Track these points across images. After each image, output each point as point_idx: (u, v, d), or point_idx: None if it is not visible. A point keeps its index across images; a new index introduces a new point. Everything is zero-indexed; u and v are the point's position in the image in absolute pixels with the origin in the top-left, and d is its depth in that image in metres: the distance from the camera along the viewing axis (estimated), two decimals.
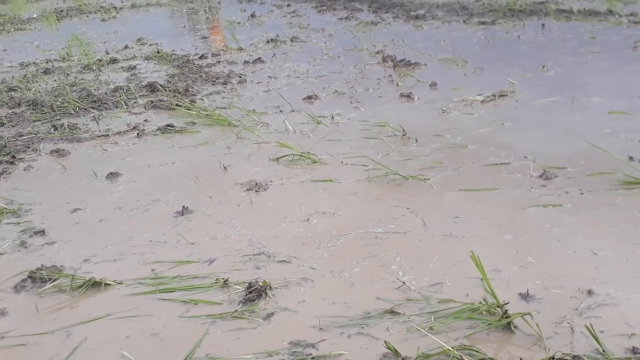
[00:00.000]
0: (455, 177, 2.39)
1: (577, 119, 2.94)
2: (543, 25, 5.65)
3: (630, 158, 2.38)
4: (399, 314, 1.55)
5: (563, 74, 3.84)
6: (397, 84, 3.99)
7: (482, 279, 1.58)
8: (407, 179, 2.40)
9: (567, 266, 1.69)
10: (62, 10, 13.16)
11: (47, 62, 6.11)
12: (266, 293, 1.67)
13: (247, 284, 1.69)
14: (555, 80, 3.71)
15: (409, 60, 4.54)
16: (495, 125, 2.96)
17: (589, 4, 6.73)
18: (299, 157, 2.74)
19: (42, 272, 1.83)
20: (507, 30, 5.56)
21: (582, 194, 2.12)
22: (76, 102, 4.03)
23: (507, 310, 1.46)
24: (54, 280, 1.82)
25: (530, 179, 2.29)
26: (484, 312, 1.51)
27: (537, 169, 2.35)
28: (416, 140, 2.85)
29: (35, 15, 12.23)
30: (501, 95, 3.43)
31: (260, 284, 1.69)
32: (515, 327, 1.45)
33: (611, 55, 4.19)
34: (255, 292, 1.66)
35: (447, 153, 2.66)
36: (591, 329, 1.34)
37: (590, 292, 1.55)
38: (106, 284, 1.78)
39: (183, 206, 2.28)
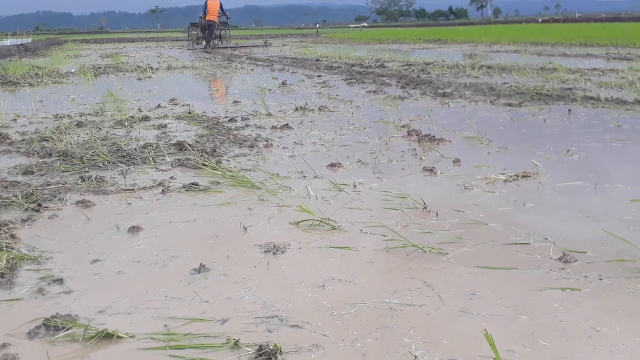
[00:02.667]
0: (473, 254, 2.38)
1: (599, 204, 2.93)
2: (569, 110, 5.71)
3: None
4: None
5: (587, 159, 3.86)
6: (421, 158, 4.04)
7: (494, 359, 1.56)
8: (426, 251, 2.40)
9: (580, 352, 1.65)
10: (99, 67, 13.65)
11: (81, 115, 6.30)
12: (276, 357, 1.66)
13: (258, 347, 1.69)
14: (579, 165, 3.73)
15: (433, 136, 4.61)
16: (517, 205, 2.97)
17: (616, 93, 6.81)
18: (318, 222, 2.76)
19: (56, 320, 1.84)
20: (533, 113, 5.63)
21: (600, 279, 2.09)
22: (105, 155, 4.13)
23: None
24: (68, 329, 1.82)
25: (549, 260, 2.27)
26: None
27: (556, 252, 2.34)
28: (437, 214, 2.86)
29: (73, 70, 12.69)
30: (524, 176, 3.45)
31: (271, 347, 1.68)
32: None
33: (636, 144, 4.21)
34: (265, 356, 1.65)
35: (467, 229, 2.66)
36: None
37: None
38: (118, 337, 1.79)
39: (200, 264, 2.30)
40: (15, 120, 6.06)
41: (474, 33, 29.80)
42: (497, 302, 1.96)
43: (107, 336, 1.79)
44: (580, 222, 2.70)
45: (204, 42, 23.02)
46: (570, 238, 2.50)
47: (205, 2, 21.87)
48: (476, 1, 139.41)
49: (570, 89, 7.23)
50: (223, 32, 24.45)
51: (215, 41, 23.34)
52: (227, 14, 23.10)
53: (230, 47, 23.79)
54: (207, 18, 21.92)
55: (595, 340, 1.71)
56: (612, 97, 6.40)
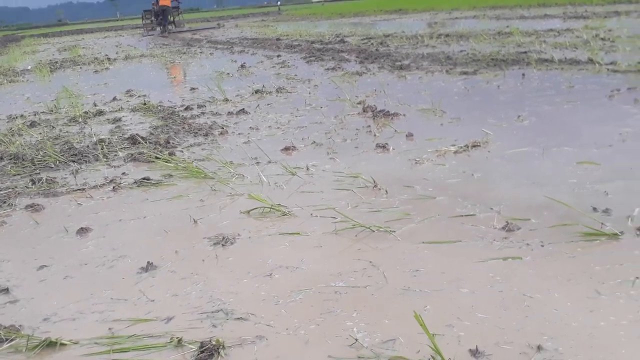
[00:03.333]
0: (420, 229, 2.40)
1: (545, 169, 2.97)
2: (523, 74, 5.75)
3: (594, 209, 2.39)
4: None
5: (537, 123, 3.90)
6: (375, 135, 4.04)
7: (432, 336, 1.58)
8: (373, 231, 2.41)
9: (519, 320, 1.68)
10: (56, 62, 13.39)
11: (35, 114, 6.19)
12: (219, 352, 1.66)
13: (200, 344, 1.69)
14: (529, 130, 3.76)
15: (388, 111, 4.61)
16: (465, 176, 2.99)
17: (570, 53, 6.87)
18: (269, 209, 2.75)
19: None
20: (488, 80, 5.66)
21: (542, 246, 2.13)
22: (57, 155, 4.07)
23: None
24: (11, 341, 1.81)
25: (493, 230, 2.30)
26: None
27: (500, 221, 2.37)
28: (386, 192, 2.87)
29: (29, 67, 12.43)
30: (474, 146, 3.48)
31: (214, 343, 1.68)
32: None
33: (586, 105, 4.26)
34: (208, 352, 1.65)
35: (415, 204, 2.68)
36: None
37: (539, 348, 1.55)
38: (62, 344, 1.77)
39: (148, 262, 2.29)
40: None
41: (434, 0, 29.76)
42: (440, 277, 1.98)
43: (51, 344, 1.77)
44: (526, 188, 2.73)
45: (158, 28, 23.25)
46: (516, 206, 2.53)
47: None
48: None
49: (525, 52, 7.28)
50: (177, 17, 24.47)
51: (170, 26, 23.39)
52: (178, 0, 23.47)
53: (185, 31, 23.79)
54: (160, 3, 22.36)
55: (534, 308, 1.75)
56: (566, 58, 6.46)
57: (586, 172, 2.86)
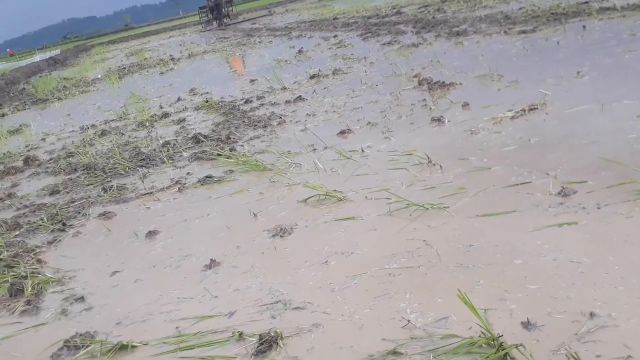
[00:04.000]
0: (475, 203, 2.38)
1: (604, 126, 2.86)
2: (584, 27, 5.52)
3: None
4: (402, 354, 1.57)
5: (597, 78, 3.75)
6: (430, 108, 4.00)
7: (484, 311, 1.59)
8: (427, 209, 2.42)
9: (573, 289, 1.66)
10: (124, 68, 13.87)
11: (105, 122, 6.47)
12: (277, 343, 1.72)
13: (259, 336, 1.76)
14: (588, 85, 3.63)
15: (443, 82, 4.54)
16: (522, 142, 2.93)
17: None
18: (324, 196, 2.80)
19: (75, 339, 1.96)
20: (547, 37, 5.47)
21: (598, 208, 2.07)
22: (126, 162, 4.26)
23: (502, 343, 1.46)
24: (87, 347, 1.94)
25: (548, 197, 2.26)
26: (483, 345, 1.51)
27: (557, 186, 2.31)
28: (441, 167, 2.85)
29: (99, 76, 12.94)
30: (531, 109, 3.39)
31: (272, 334, 1.75)
32: (512, 358, 1.45)
33: None
34: (267, 344, 1.72)
35: (470, 177, 2.66)
36: (577, 357, 1.32)
37: (592, 315, 1.52)
38: (132, 346, 1.89)
39: (211, 259, 2.38)
40: (44, 139, 6.28)
41: None
42: (493, 250, 1.97)
43: (123, 348, 1.89)
44: (583, 149, 2.65)
45: (214, 23, 24.40)
46: (573, 168, 2.47)
47: None
48: None
49: (586, 2, 6.97)
50: (230, 9, 25.51)
51: (225, 19, 24.46)
52: None
53: (239, 22, 24.66)
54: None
55: (588, 274, 1.72)
56: (628, 4, 6.14)
57: None
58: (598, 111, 3.10)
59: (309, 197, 2.84)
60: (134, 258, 2.63)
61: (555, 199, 2.23)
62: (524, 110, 3.39)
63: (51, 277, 2.57)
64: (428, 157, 2.96)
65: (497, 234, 2.07)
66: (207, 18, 25.73)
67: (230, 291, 2.12)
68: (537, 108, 3.39)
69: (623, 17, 5.58)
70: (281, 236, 2.50)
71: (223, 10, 24.51)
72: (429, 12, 10.38)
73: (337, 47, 8.61)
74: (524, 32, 6.01)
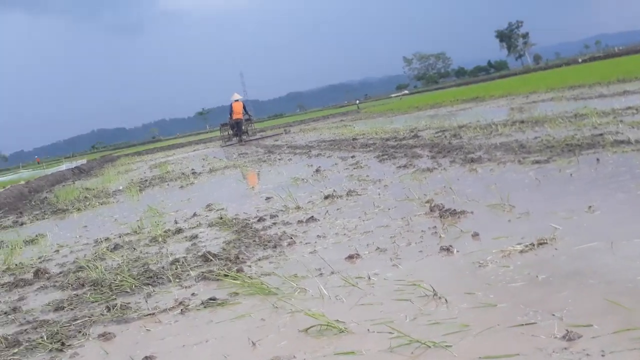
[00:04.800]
0: (478, 342, 2.31)
1: (613, 266, 2.81)
2: (598, 159, 5.56)
3: None
4: None
5: (609, 213, 3.73)
6: (440, 236, 3.98)
7: None
8: (429, 346, 2.34)
9: None
10: (146, 180, 14.18)
11: (120, 236, 6.52)
12: None
13: None
14: (599, 221, 3.60)
15: (455, 209, 4.55)
16: (530, 279, 2.87)
17: None
18: (326, 327, 2.73)
19: None
20: (561, 168, 5.51)
21: (603, 356, 1.99)
22: (133, 279, 4.24)
23: None
24: None
25: (553, 340, 2.18)
26: None
27: (562, 329, 2.24)
28: (446, 301, 2.79)
29: (121, 188, 13.21)
30: (540, 243, 3.35)
31: None
32: None
33: None
34: None
35: (475, 314, 2.59)
36: None
37: None
38: None
39: None
40: (57, 251, 6.32)
41: (511, 85, 29.75)
42: None
43: None
44: (590, 289, 2.59)
45: (234, 139, 26.46)
46: (579, 310, 2.40)
47: (231, 105, 25.97)
48: (513, 52, 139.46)
49: (601, 134, 7.07)
50: (250, 126, 28.12)
51: (244, 136, 26.49)
52: (249, 112, 27.47)
53: (257, 138, 26.77)
54: (233, 117, 26.01)
55: None
56: None
57: None
58: (607, 249, 3.06)
59: (311, 327, 2.77)
60: None
61: (560, 343, 2.15)
62: (533, 245, 3.35)
63: None
64: (434, 290, 2.91)
65: None
66: (227, 134, 27.84)
67: None
68: (546, 242, 3.36)
69: (637, 151, 5.63)
70: None
71: (243, 127, 26.44)
72: (445, 137, 10.59)
73: (354, 168, 8.75)
74: (537, 162, 6.07)
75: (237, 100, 26.41)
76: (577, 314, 2.37)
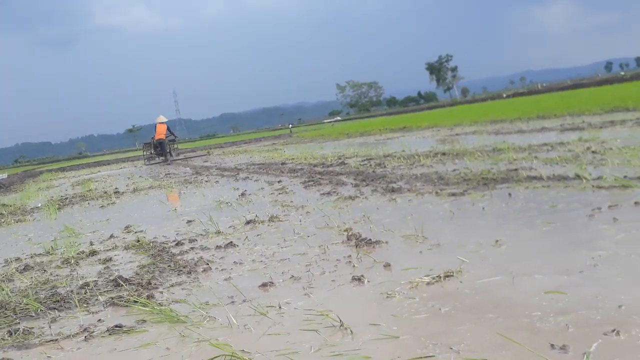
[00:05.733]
0: None
1: (512, 300, 2.92)
2: (510, 194, 5.78)
3: (552, 346, 2.33)
4: None
5: (514, 248, 3.88)
6: (354, 266, 4.04)
7: None
8: None
9: None
10: (66, 198, 13.74)
11: (32, 256, 6.28)
12: None
13: None
14: (505, 256, 3.74)
15: (370, 239, 4.63)
16: (433, 311, 2.95)
17: (559, 169, 6.95)
18: (230, 358, 2.71)
19: None
20: (474, 202, 5.69)
21: None
22: (39, 303, 4.09)
23: None
24: None
25: None
26: None
27: None
28: (351, 332, 2.83)
29: (39, 205, 12.75)
30: (447, 276, 3.45)
31: None
32: None
33: (565, 227, 4.25)
34: None
35: (377, 345, 2.63)
36: None
37: None
38: None
39: None
40: None
41: (438, 117, 30.60)
42: None
43: None
44: (488, 323, 2.68)
45: (157, 158, 27.89)
46: (476, 344, 2.47)
47: (155, 126, 27.39)
48: (442, 84, 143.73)
49: (516, 169, 7.36)
50: (174, 147, 29.30)
51: (167, 156, 27.48)
52: (173, 134, 28.97)
53: (180, 159, 28.15)
54: (156, 138, 27.21)
55: None
56: (554, 174, 6.51)
57: (551, 302, 2.81)
58: (509, 284, 3.18)
59: (215, 357, 2.74)
60: None
61: None
62: (440, 277, 3.44)
63: None
64: (340, 320, 2.94)
65: None
66: (150, 153, 28.71)
67: None
68: (452, 275, 3.45)
69: (547, 187, 5.89)
70: None
71: (166, 147, 27.46)
72: (370, 165, 10.77)
73: (279, 193, 8.77)
74: (453, 194, 6.26)
75: (161, 123, 27.73)
76: (473, 347, 2.45)
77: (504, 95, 65.98)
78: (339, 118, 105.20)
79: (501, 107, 30.26)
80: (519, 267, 3.44)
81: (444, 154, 10.84)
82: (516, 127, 15.95)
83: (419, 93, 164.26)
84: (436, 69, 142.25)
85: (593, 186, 5.58)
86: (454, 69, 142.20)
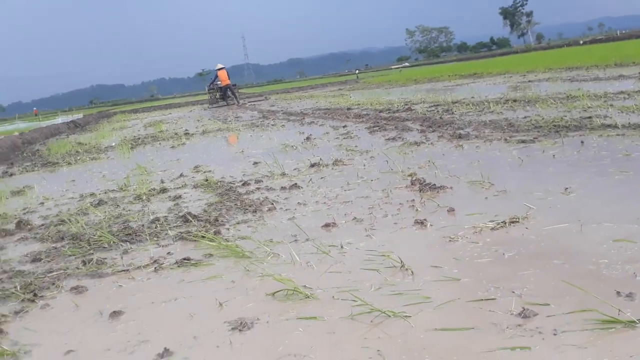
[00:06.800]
0: (437, 314, 2.36)
1: (579, 248, 2.86)
2: (582, 142, 5.59)
3: (618, 293, 2.28)
4: None
5: (584, 196, 3.77)
6: (417, 210, 4.02)
7: None
8: (389, 316, 2.39)
9: None
10: (139, 138, 14.15)
11: (105, 192, 6.54)
12: None
13: None
14: (574, 204, 3.64)
15: (434, 185, 4.59)
16: (496, 256, 2.92)
17: (636, 118, 6.67)
18: (292, 292, 2.78)
19: None
20: (544, 149, 5.54)
21: (555, 334, 2.04)
22: (112, 235, 4.28)
23: None
24: None
25: (509, 317, 2.23)
26: None
27: (519, 306, 2.29)
28: (412, 273, 2.84)
29: (113, 144, 13.18)
30: (512, 222, 3.40)
31: None
32: None
33: (639, 176, 4.09)
34: None
35: (438, 287, 2.64)
36: None
37: None
38: None
39: (165, 348, 2.35)
40: (42, 203, 6.34)
41: (510, 63, 29.61)
42: None
43: None
44: (553, 270, 2.64)
45: (220, 102, 29.75)
46: (539, 289, 2.45)
47: (216, 74, 29.11)
48: (516, 29, 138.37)
49: (590, 117, 7.09)
50: (236, 92, 30.85)
51: (229, 100, 29.34)
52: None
53: (241, 104, 29.22)
54: (223, 84, 29.10)
55: None
56: (630, 123, 6.24)
57: (620, 250, 2.73)
58: (577, 231, 3.11)
59: (278, 291, 2.82)
60: (92, 338, 2.61)
61: (515, 319, 2.21)
62: (505, 223, 3.39)
63: (6, 350, 2.54)
64: (402, 261, 2.96)
65: (449, 351, 2.04)
66: (215, 97, 30.59)
67: None
68: (518, 221, 3.40)
69: (622, 136, 5.66)
70: (240, 330, 2.47)
71: (228, 92, 29.52)
72: (437, 111, 10.59)
73: (344, 138, 8.76)
74: (523, 141, 6.10)
75: (222, 69, 28.84)
76: (536, 292, 2.43)
77: (581, 42, 63.01)
78: (407, 64, 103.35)
79: (577, 54, 28.96)
80: (588, 215, 3.35)
81: (514, 100, 10.52)
82: (592, 74, 15.28)
83: (492, 39, 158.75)
84: (510, 14, 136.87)
85: None
86: (529, 14, 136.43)
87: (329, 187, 5.19)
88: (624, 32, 76.36)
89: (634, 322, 2.03)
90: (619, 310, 2.11)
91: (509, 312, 2.28)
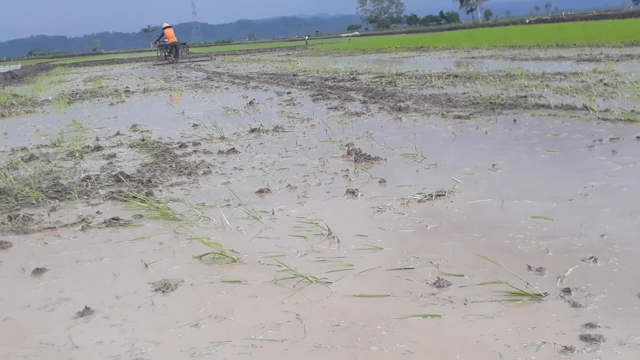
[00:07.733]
0: (357, 281, 2.43)
1: (498, 222, 2.98)
2: (515, 120, 5.76)
3: (529, 267, 2.40)
4: None
5: (509, 173, 3.91)
6: (350, 179, 4.09)
7: None
8: (311, 282, 2.45)
9: None
10: (77, 93, 13.77)
11: (38, 147, 6.37)
12: None
13: None
14: (498, 180, 3.78)
15: (369, 155, 4.66)
16: (420, 227, 3.02)
17: (569, 99, 6.88)
18: (219, 255, 2.81)
19: None
20: (478, 125, 5.68)
21: (465, 304, 2.14)
22: (40, 192, 4.19)
23: None
24: None
25: (424, 286, 2.32)
26: None
27: (434, 276, 2.39)
28: (338, 241, 2.91)
29: (50, 98, 12.78)
30: (438, 195, 3.50)
31: None
32: None
33: (564, 155, 4.27)
34: None
35: (361, 255, 2.71)
36: None
37: None
38: None
39: (85, 306, 2.35)
40: None
41: (456, 39, 29.95)
42: (356, 334, 2.00)
43: None
44: (471, 242, 2.75)
45: (167, 58, 29.95)
46: (456, 260, 2.55)
47: (162, 32, 29.49)
48: (465, 5, 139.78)
49: (525, 96, 7.30)
50: (185, 50, 31.56)
51: (175, 58, 29.57)
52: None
53: (185, 62, 29.44)
54: (170, 41, 29.37)
55: None
56: (562, 104, 6.46)
57: (536, 227, 2.87)
58: (498, 206, 3.23)
59: (205, 254, 2.84)
60: (13, 294, 2.58)
61: (430, 288, 2.30)
62: (432, 196, 3.50)
63: None
64: (329, 229, 3.02)
65: (364, 317, 2.11)
66: (163, 55, 30.60)
67: (93, 343, 2.09)
68: (444, 195, 3.51)
69: (553, 116, 5.86)
70: (163, 291, 2.49)
71: (180, 50, 29.88)
72: (381, 83, 10.67)
73: (287, 104, 8.75)
74: (459, 117, 6.23)
75: (168, 27, 29.19)
76: (453, 264, 2.53)
77: (527, 21, 64.14)
78: (357, 33, 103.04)
79: (522, 33, 29.51)
80: (511, 191, 3.48)
81: (456, 76, 10.70)
82: (534, 54, 15.65)
83: (441, 13, 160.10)
84: None
85: (599, 118, 5.55)
86: None
87: (267, 154, 5.21)
88: (569, 13, 78.21)
89: (540, 295, 2.14)
90: (527, 284, 2.22)
91: (425, 281, 2.37)
